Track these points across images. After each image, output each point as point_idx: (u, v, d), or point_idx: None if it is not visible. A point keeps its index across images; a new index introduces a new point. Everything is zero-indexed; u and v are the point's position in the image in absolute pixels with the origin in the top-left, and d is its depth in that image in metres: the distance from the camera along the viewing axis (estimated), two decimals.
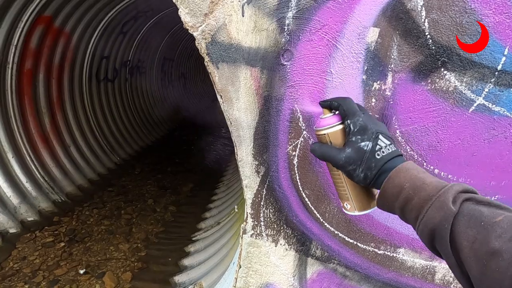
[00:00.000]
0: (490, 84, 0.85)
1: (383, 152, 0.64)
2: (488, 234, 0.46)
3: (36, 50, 3.26)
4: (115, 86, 4.99)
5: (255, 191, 1.05)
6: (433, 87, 0.88)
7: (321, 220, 1.06)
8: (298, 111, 0.94)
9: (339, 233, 1.07)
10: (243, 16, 0.87)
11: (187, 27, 0.89)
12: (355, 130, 0.67)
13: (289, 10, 0.86)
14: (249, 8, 0.86)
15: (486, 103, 0.87)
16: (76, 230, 2.94)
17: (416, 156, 0.96)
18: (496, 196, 0.98)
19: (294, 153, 0.99)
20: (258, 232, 1.10)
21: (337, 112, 0.74)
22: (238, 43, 0.89)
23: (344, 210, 0.76)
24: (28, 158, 3.18)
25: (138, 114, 5.62)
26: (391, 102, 0.91)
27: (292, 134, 0.97)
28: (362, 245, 1.08)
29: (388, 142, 0.66)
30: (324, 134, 0.73)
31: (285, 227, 1.08)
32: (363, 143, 0.65)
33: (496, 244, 0.45)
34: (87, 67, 4.15)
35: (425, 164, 0.96)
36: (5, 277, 2.32)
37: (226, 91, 0.94)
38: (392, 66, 0.88)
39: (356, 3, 0.83)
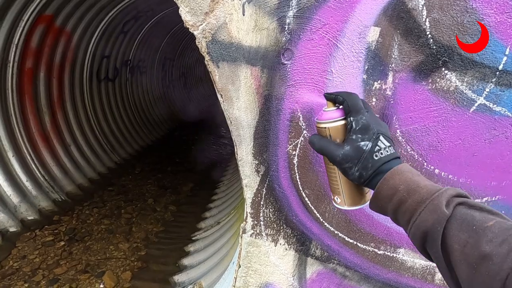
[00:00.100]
0: (491, 84, 0.85)
1: (381, 153, 0.64)
2: (479, 238, 0.47)
3: (37, 49, 3.26)
4: (116, 85, 4.99)
5: (255, 191, 1.05)
6: (434, 86, 0.88)
7: (321, 219, 1.05)
8: (299, 110, 0.94)
9: (339, 233, 1.06)
10: (243, 15, 0.86)
11: (188, 26, 0.89)
12: (357, 128, 0.67)
13: (290, 9, 0.85)
14: (250, 7, 0.86)
15: (487, 103, 0.87)
16: (76, 229, 2.94)
17: (416, 156, 0.95)
18: (497, 197, 0.98)
19: (294, 152, 0.99)
20: (257, 231, 1.09)
21: (341, 107, 0.73)
22: (238, 42, 0.89)
23: (334, 203, 0.77)
24: (28, 157, 3.18)
25: (139, 113, 5.62)
26: (392, 102, 0.91)
27: (292, 134, 0.97)
28: (362, 245, 1.07)
29: (388, 144, 0.65)
30: (325, 127, 0.72)
31: (284, 226, 1.08)
32: (363, 143, 0.65)
33: (487, 248, 0.45)
34: (88, 66, 4.15)
35: (425, 164, 0.96)
36: (5, 276, 2.32)
37: (227, 90, 0.94)
38: (393, 65, 0.87)
39: (357, 2, 0.83)
